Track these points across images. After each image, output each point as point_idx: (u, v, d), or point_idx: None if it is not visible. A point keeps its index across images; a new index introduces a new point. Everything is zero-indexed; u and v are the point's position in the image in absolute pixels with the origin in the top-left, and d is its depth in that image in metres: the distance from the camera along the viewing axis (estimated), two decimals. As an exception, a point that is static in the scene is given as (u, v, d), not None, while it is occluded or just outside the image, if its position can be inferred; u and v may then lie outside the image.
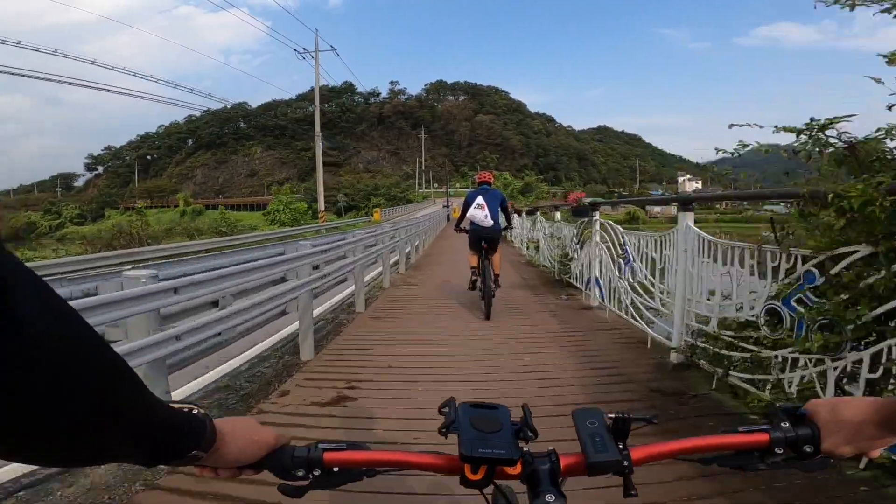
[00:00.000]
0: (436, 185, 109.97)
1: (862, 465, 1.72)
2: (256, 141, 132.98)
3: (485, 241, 4.72)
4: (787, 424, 0.51)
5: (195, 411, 0.44)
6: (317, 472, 0.51)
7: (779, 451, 0.51)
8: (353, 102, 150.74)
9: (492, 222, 4.68)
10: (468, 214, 4.79)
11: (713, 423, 2.28)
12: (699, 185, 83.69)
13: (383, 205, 47.85)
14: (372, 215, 32.91)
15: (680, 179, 75.03)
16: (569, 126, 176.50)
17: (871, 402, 0.50)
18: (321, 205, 25.51)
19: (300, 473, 0.51)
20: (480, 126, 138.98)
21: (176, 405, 0.42)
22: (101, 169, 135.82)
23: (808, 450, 0.50)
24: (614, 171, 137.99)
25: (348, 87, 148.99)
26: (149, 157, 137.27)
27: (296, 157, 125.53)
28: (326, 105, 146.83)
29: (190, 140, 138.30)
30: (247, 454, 0.49)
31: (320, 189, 25.67)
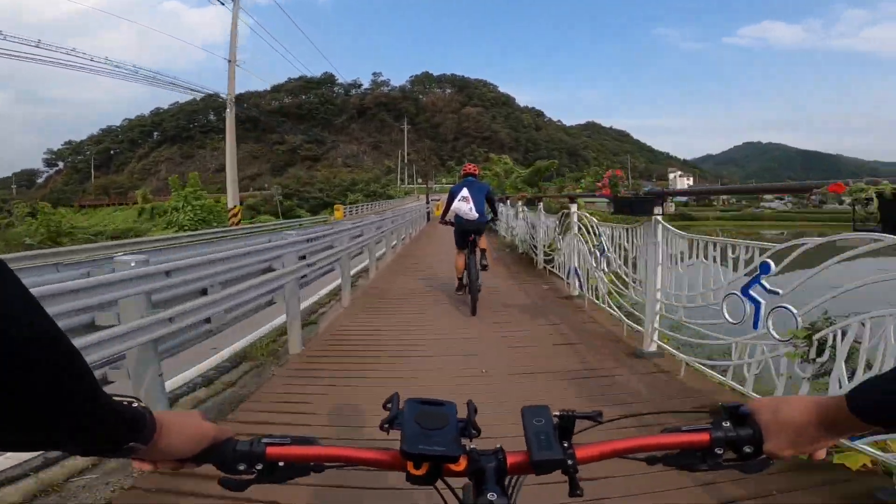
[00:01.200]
0: (419, 180, 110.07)
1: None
2: (225, 134, 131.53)
3: (471, 234, 4.85)
4: (729, 424, 0.53)
5: (135, 405, 0.46)
6: (259, 467, 0.53)
7: (719, 451, 0.53)
8: (333, 94, 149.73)
9: (477, 215, 4.80)
10: (453, 207, 4.89)
11: (681, 412, 2.35)
12: (691, 182, 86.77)
13: (361, 201, 47.08)
14: (332, 213, 28.98)
15: (671, 176, 77.96)
16: (559, 121, 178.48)
17: (812, 402, 0.51)
18: (231, 199, 18.81)
19: (242, 467, 0.53)
20: (468, 119, 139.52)
21: (117, 398, 0.44)
22: (61, 165, 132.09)
23: (749, 450, 0.52)
24: (605, 168, 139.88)
25: (328, 78, 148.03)
26: (112, 151, 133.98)
27: (269, 151, 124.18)
28: (304, 96, 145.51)
29: (155, 133, 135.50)
30: (187, 447, 0.51)
31: (230, 175, 18.62)
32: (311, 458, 0.55)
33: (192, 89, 19.46)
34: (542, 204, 7.94)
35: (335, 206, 29.61)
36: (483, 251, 4.99)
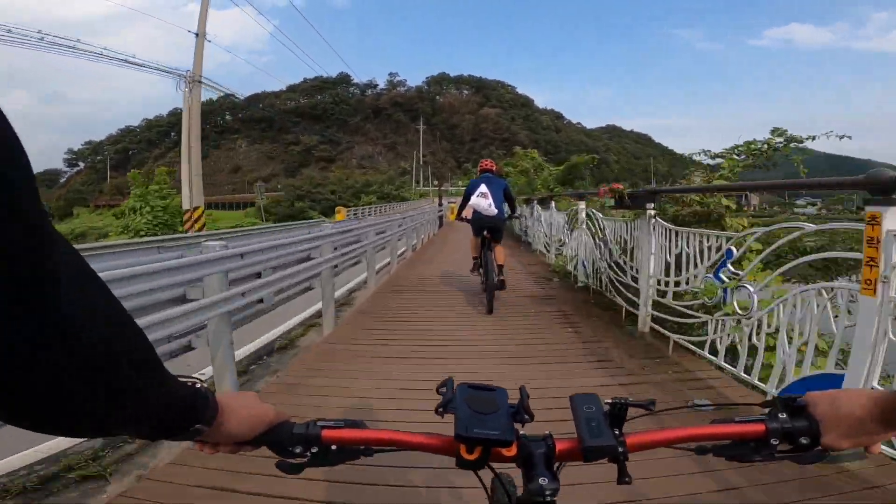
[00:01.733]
0: (435, 182, 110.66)
1: (861, 460, 2.24)
2: (241, 134, 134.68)
3: (487, 230, 4.92)
4: (785, 416, 0.54)
5: (198, 385, 0.48)
6: (314, 450, 0.56)
7: (774, 443, 0.54)
8: (349, 94, 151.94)
9: (495, 211, 4.83)
10: (471, 203, 4.92)
11: (733, 406, 2.80)
12: None
13: (374, 203, 45.66)
14: (335, 215, 26.20)
15: (696, 180, 78.03)
16: (578, 123, 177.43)
17: (870, 395, 0.53)
18: (186, 199, 15.49)
19: (298, 450, 0.55)
20: (485, 120, 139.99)
21: (182, 378, 0.46)
22: (82, 165, 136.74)
23: (805, 442, 0.53)
24: (627, 171, 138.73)
25: (344, 78, 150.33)
26: (129, 151, 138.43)
27: (283, 152, 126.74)
28: (319, 96, 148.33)
29: (172, 133, 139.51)
30: (246, 429, 0.53)
31: (186, 169, 15.39)
32: (363, 441, 0.57)
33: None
34: (652, 212, 4.56)
35: (337, 209, 27.80)
36: (501, 266, 4.97)
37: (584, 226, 5.95)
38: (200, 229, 14.90)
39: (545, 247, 9.26)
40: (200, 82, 15.05)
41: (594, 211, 5.65)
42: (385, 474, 1.93)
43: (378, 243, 7.15)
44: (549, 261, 8.41)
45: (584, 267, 5.86)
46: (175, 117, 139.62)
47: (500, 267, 4.99)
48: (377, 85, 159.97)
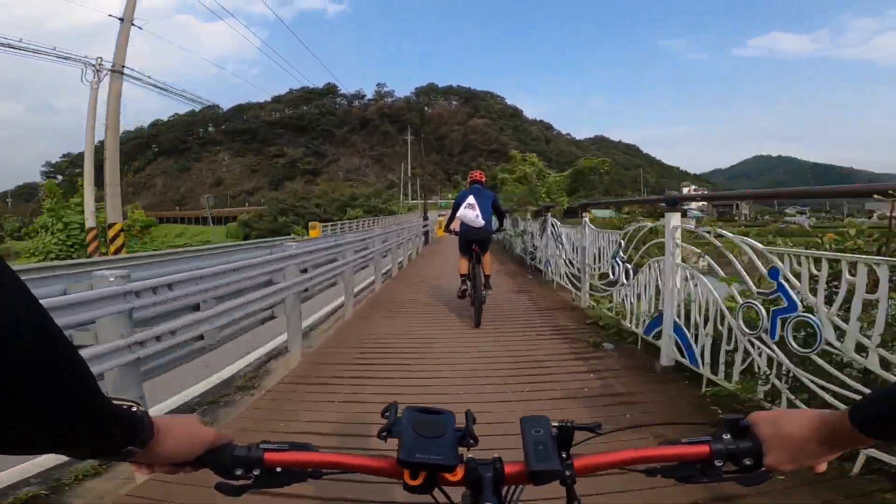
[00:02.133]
0: (424, 194, 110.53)
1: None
2: (224, 146, 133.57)
3: (475, 243, 4.92)
4: (729, 437, 0.55)
5: (134, 408, 0.48)
6: (257, 472, 0.55)
7: (719, 464, 0.55)
8: (335, 105, 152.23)
9: (483, 223, 4.85)
10: (458, 214, 4.95)
11: (681, 424, 2.45)
12: (699, 190, 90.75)
13: (360, 216, 45.49)
14: (307, 232, 24.48)
15: (685, 190, 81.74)
16: (568, 134, 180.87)
17: (813, 416, 0.53)
18: (88, 212, 13.48)
19: (239, 472, 0.55)
20: (474, 131, 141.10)
21: (116, 401, 0.46)
22: (60, 178, 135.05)
23: (749, 463, 0.54)
24: (616, 182, 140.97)
25: (330, 89, 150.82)
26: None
27: (267, 164, 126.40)
28: (305, 107, 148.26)
29: (154, 145, 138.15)
30: (184, 451, 0.53)
31: (89, 171, 13.48)
32: (308, 464, 0.57)
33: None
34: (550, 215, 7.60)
35: (311, 225, 25.55)
36: (488, 277, 5.02)
37: (548, 232, 6.04)
38: (118, 251, 12.41)
39: (569, 280, 6.55)
40: (122, 73, 12.78)
41: (555, 220, 6.15)
42: (350, 489, 1.91)
43: (357, 262, 6.56)
44: (578, 301, 5.83)
45: (549, 265, 6.34)
46: (155, 128, 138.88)
47: (487, 277, 5.09)
48: (364, 95, 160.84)
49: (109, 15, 13.02)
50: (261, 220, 53.20)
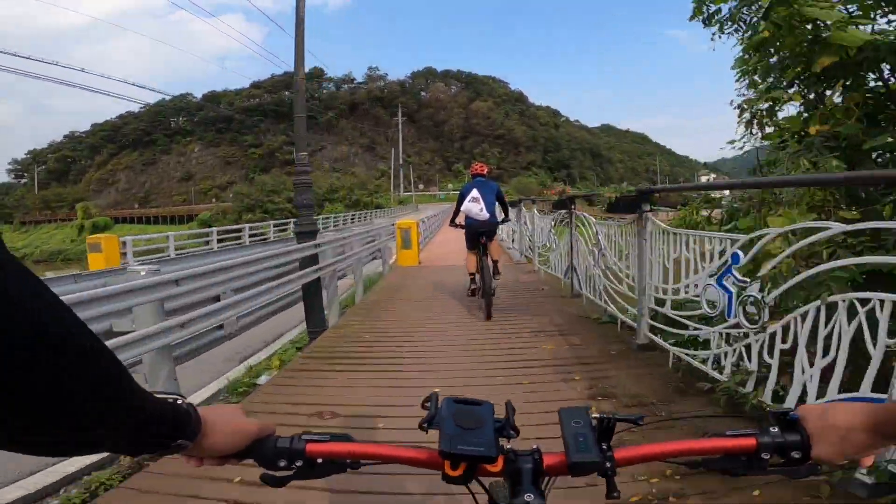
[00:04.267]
0: (420, 186, 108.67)
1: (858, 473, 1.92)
2: (195, 137, 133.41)
3: (483, 235, 5.45)
4: (776, 429, 0.60)
5: (179, 402, 0.55)
6: (299, 463, 0.62)
7: (765, 457, 0.59)
8: (322, 90, 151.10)
9: (487, 215, 5.40)
10: (463, 208, 5.47)
11: (722, 417, 2.70)
12: (713, 178, 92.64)
13: (341, 211, 42.58)
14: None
15: (703, 179, 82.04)
16: (576, 121, 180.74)
17: (862, 407, 0.58)
18: None
19: (282, 464, 0.62)
20: (476, 115, 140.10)
21: (160, 395, 0.53)
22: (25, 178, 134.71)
23: (797, 456, 0.59)
24: (631, 170, 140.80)
25: (317, 73, 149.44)
26: (71, 159, 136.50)
27: (243, 156, 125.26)
28: (287, 92, 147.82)
29: (116, 138, 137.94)
30: (230, 443, 0.61)
31: None
32: (349, 455, 0.64)
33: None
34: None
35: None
36: (496, 262, 5.59)
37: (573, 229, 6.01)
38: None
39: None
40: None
41: (586, 215, 5.69)
42: (379, 483, 2.14)
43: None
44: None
45: (577, 274, 6.00)
46: (123, 119, 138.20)
47: (496, 262, 5.64)
48: (354, 79, 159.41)
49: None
50: (225, 218, 50.05)
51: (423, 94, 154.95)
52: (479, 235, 5.49)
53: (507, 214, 6.25)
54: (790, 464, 0.60)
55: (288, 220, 27.67)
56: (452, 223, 5.92)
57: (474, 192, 5.45)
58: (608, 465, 0.59)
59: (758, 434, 0.61)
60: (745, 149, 4.35)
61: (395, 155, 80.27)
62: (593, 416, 0.62)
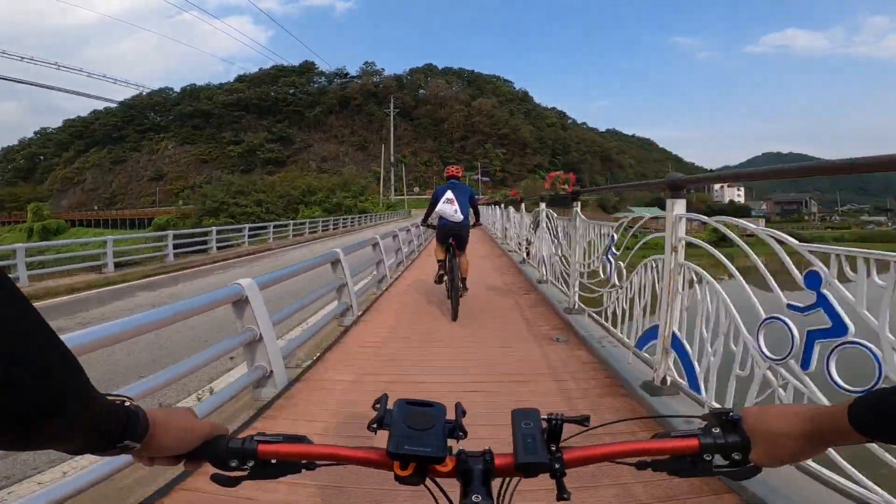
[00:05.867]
0: (415, 188, 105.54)
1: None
2: (169, 133, 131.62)
3: (453, 237, 6.21)
4: (718, 430, 0.65)
5: (127, 403, 0.59)
6: (251, 464, 0.67)
7: (708, 458, 0.64)
8: (313, 84, 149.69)
9: (461, 217, 6.13)
10: (437, 209, 6.19)
11: (672, 417, 2.81)
12: (741, 192, 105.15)
13: (319, 216, 40.20)
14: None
15: (717, 186, 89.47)
16: (584, 124, 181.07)
17: (798, 411, 0.62)
18: None
19: (234, 464, 0.67)
20: (479, 112, 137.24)
21: (110, 397, 0.56)
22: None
23: (738, 457, 0.64)
24: (641, 176, 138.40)
25: (307, 67, 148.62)
26: (40, 157, 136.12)
27: (220, 153, 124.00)
28: (274, 86, 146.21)
29: (84, 135, 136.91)
30: (180, 444, 0.65)
31: None
32: (301, 456, 0.69)
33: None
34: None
35: None
36: (464, 279, 6.30)
37: (543, 224, 7.34)
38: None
39: (563, 280, 6.78)
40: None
41: (551, 212, 7.10)
42: (341, 479, 2.35)
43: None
44: (567, 303, 6.29)
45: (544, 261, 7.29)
46: (94, 115, 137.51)
47: (464, 280, 6.37)
48: (347, 73, 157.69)
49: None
50: (185, 221, 47.69)
51: (421, 90, 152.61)
52: (449, 237, 6.21)
53: (477, 218, 6.78)
54: (732, 465, 0.64)
55: (257, 225, 26.40)
56: (424, 223, 6.62)
57: (449, 194, 6.12)
58: (556, 466, 0.63)
59: (700, 435, 0.65)
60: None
61: (386, 152, 76.55)
62: (542, 417, 0.66)
